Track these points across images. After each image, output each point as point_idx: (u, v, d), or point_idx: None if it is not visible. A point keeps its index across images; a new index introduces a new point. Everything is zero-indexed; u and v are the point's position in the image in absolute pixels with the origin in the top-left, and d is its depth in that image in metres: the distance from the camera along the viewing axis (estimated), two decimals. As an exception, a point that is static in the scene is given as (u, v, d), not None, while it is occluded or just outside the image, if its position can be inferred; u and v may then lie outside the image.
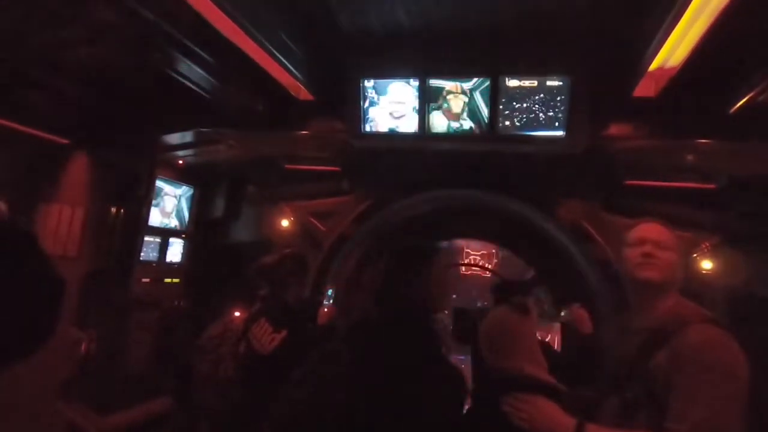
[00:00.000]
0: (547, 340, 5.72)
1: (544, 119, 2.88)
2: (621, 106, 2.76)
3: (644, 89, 2.61)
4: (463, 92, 2.93)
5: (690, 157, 3.06)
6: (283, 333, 2.55)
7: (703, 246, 3.46)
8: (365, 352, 1.62)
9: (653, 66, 2.37)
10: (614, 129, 2.84)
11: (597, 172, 3.49)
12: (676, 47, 2.23)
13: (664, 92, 2.58)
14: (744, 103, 2.43)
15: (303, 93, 3.23)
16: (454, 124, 3.03)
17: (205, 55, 2.82)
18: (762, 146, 2.71)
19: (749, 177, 3.18)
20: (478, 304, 6.36)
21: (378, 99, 3.10)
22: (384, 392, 1.50)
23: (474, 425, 1.69)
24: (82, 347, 3.45)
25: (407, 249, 1.77)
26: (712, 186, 3.27)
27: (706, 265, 3.43)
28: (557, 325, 4.99)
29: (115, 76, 3.21)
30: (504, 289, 2.98)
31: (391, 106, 3.11)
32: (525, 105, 2.89)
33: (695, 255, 3.46)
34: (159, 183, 4.10)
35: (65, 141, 3.68)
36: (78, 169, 3.70)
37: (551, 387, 1.66)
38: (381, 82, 3.07)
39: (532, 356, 1.78)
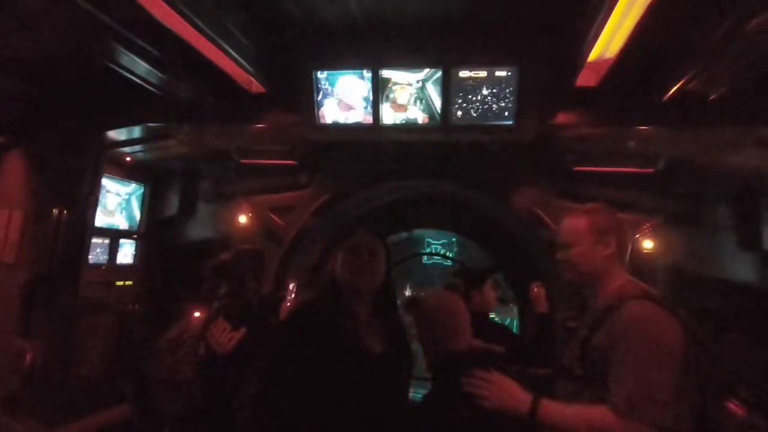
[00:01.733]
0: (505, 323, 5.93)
1: (494, 109, 2.95)
2: (565, 95, 2.87)
3: (586, 79, 2.73)
4: (409, 83, 2.96)
5: (631, 144, 3.23)
6: (242, 331, 2.51)
7: (645, 227, 3.68)
8: (295, 334, 1.64)
9: (593, 56, 2.49)
10: (560, 117, 2.96)
11: (547, 160, 3.62)
12: (612, 38, 2.34)
13: (604, 81, 2.71)
14: (675, 90, 2.59)
15: (255, 85, 3.16)
16: (401, 115, 3.06)
17: (150, 48, 2.72)
18: (694, 131, 2.90)
19: (684, 161, 3.39)
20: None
21: (331, 90, 3.08)
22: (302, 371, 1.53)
23: (434, 408, 1.74)
24: (27, 358, 3.27)
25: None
26: (651, 170, 3.47)
27: (648, 244, 3.65)
28: (515, 309, 5.19)
29: (53, 70, 3.04)
30: (461, 276, 3.06)
31: (346, 98, 3.10)
32: (476, 95, 2.95)
33: (638, 236, 3.68)
34: (104, 181, 3.91)
35: (0, 139, 3.45)
36: (14, 169, 3.47)
37: (496, 353, 1.74)
38: (334, 73, 3.05)
39: (466, 329, 1.85)
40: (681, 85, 2.54)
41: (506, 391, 1.53)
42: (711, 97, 2.64)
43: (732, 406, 2.39)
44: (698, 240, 3.74)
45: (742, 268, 3.63)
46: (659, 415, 1.28)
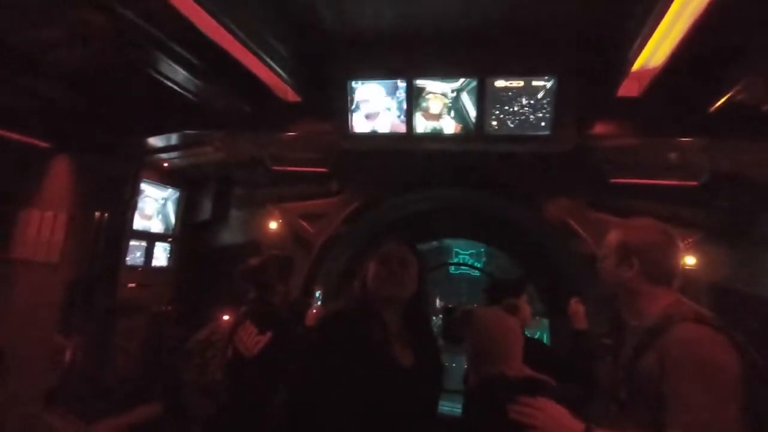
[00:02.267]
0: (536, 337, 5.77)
1: (530, 119, 2.90)
2: (606, 105, 2.80)
3: (628, 89, 2.64)
4: (443, 93, 2.95)
5: (673, 155, 3.12)
6: (268, 335, 2.53)
7: (687, 242, 3.53)
8: (323, 342, 1.63)
9: (636, 66, 2.41)
10: (599, 128, 2.88)
11: (583, 171, 3.53)
12: (657, 48, 2.27)
13: (647, 92, 2.62)
14: (723, 102, 2.48)
15: (290, 94, 3.21)
16: (433, 124, 3.04)
17: (190, 57, 2.80)
18: (741, 144, 2.77)
19: (730, 174, 3.24)
20: (467, 303, 6.40)
21: (365, 100, 3.10)
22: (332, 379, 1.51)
23: (468, 427, 1.70)
24: (66, 355, 3.39)
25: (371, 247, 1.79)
26: (694, 183, 3.33)
27: (690, 260, 3.50)
28: (545, 323, 5.05)
29: (97, 78, 3.16)
30: (497, 289, 3.00)
31: (376, 107, 3.11)
32: (512, 105, 2.91)
33: (681, 256, 3.52)
34: (143, 186, 4.04)
35: (46, 144, 3.61)
36: (60, 173, 3.63)
37: (550, 386, 1.67)
38: (368, 83, 3.06)
39: (518, 356, 1.80)
40: (730, 95, 2.44)
41: (557, 420, 1.47)
42: (763, 108, 2.51)
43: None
44: (745, 256, 3.56)
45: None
46: None
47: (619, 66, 2.53)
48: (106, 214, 3.50)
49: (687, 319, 1.39)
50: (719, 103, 2.52)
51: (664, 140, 2.88)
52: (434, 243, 5.51)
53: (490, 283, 3.15)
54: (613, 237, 1.65)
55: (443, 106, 3.01)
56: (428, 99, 3.01)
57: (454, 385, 5.01)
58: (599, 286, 1.69)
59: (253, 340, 2.59)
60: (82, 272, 3.44)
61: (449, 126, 3.02)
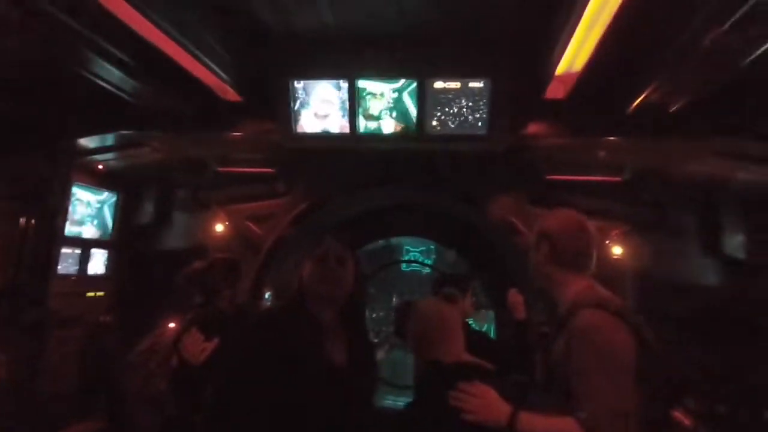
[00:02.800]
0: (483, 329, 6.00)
1: (468, 119, 3.03)
2: (535, 107, 2.97)
3: (555, 91, 2.82)
4: (382, 93, 3.02)
5: (598, 153, 3.35)
6: (214, 342, 2.48)
7: (614, 234, 3.81)
8: (253, 343, 1.59)
9: (560, 70, 2.58)
10: (531, 128, 3.05)
11: (519, 169, 3.72)
12: (578, 52, 2.44)
13: (571, 94, 2.81)
14: (639, 102, 2.70)
15: (230, 94, 3.16)
16: (372, 125, 3.10)
17: (123, 56, 2.69)
18: (657, 142, 3.03)
19: (649, 170, 3.53)
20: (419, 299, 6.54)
21: (308, 100, 3.11)
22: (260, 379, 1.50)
23: (417, 417, 1.74)
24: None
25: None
26: (618, 179, 3.60)
27: (617, 251, 3.78)
28: (491, 315, 5.26)
29: (22, 77, 2.98)
30: (443, 283, 3.09)
31: (321, 107, 3.13)
32: (451, 106, 3.02)
33: (607, 242, 3.80)
34: (75, 189, 3.82)
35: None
36: (-21, 177, 3.37)
37: (485, 370, 1.74)
38: (310, 83, 3.08)
39: (459, 342, 1.87)
40: (644, 97, 2.66)
41: (487, 404, 1.54)
42: (672, 109, 2.76)
43: (679, 415, 2.47)
44: (664, 246, 3.88)
45: (705, 273, 3.78)
46: (620, 426, 1.32)
47: (545, 69, 2.70)
48: (32, 221, 3.28)
49: (587, 306, 1.49)
50: (635, 104, 2.74)
51: (588, 139, 3.10)
52: (383, 241, 5.58)
53: (436, 278, 3.26)
54: (535, 227, 1.77)
55: (382, 106, 3.07)
56: (368, 99, 3.06)
57: (408, 381, 5.11)
58: (532, 277, 1.79)
59: (199, 347, 2.52)
60: (6, 283, 3.21)
61: (389, 126, 3.09)
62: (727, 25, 1.93)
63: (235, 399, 1.52)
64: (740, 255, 3.48)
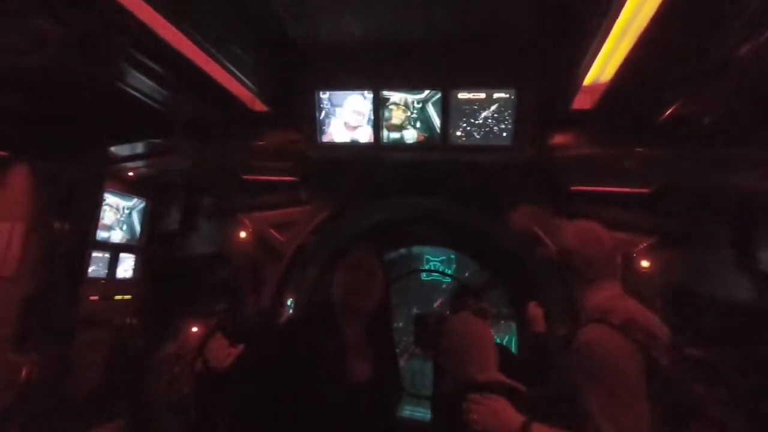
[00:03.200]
0: (503, 342, 5.91)
1: (493, 130, 3.01)
2: (562, 117, 2.93)
3: (582, 102, 2.79)
4: (405, 105, 3.02)
5: (626, 164, 3.28)
6: (239, 348, 2.51)
7: (641, 246, 3.71)
8: (277, 347, 1.61)
9: (588, 80, 2.55)
10: (557, 139, 3.01)
11: (544, 180, 3.67)
12: (607, 63, 2.41)
13: (599, 105, 2.77)
14: (670, 113, 2.64)
15: (257, 104, 3.22)
16: (396, 135, 3.11)
17: (155, 66, 2.78)
18: (687, 153, 2.95)
19: (678, 182, 3.44)
20: (439, 310, 6.48)
21: (333, 110, 3.14)
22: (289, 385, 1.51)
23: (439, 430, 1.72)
24: (23, 373, 3.26)
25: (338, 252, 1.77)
26: (646, 190, 3.51)
27: (644, 263, 3.68)
28: (512, 327, 5.17)
29: (59, 86, 3.09)
30: (463, 294, 3.07)
31: (349, 117, 3.16)
32: (475, 116, 3.01)
33: (635, 254, 3.71)
34: (106, 195, 3.95)
35: (3, 153, 3.49)
36: (18, 182, 3.51)
37: (515, 390, 1.71)
38: (336, 93, 3.11)
39: (493, 359, 1.84)
40: (675, 108, 2.60)
41: (497, 415, 1.53)
42: (705, 120, 2.69)
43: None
44: (696, 260, 3.76)
45: (739, 289, 3.64)
46: None
47: (572, 80, 2.67)
48: (66, 225, 3.40)
49: (591, 321, 1.48)
50: (665, 115, 2.67)
51: (615, 150, 3.04)
52: (404, 250, 5.57)
53: (456, 289, 3.23)
54: (556, 242, 1.76)
55: (405, 117, 3.08)
56: (391, 110, 3.08)
57: (426, 391, 5.06)
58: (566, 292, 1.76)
59: (225, 352, 2.56)
60: (39, 286, 3.32)
61: (411, 136, 3.10)
62: (764, 37, 1.87)
63: (258, 408, 1.53)
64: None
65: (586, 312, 1.56)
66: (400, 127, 3.10)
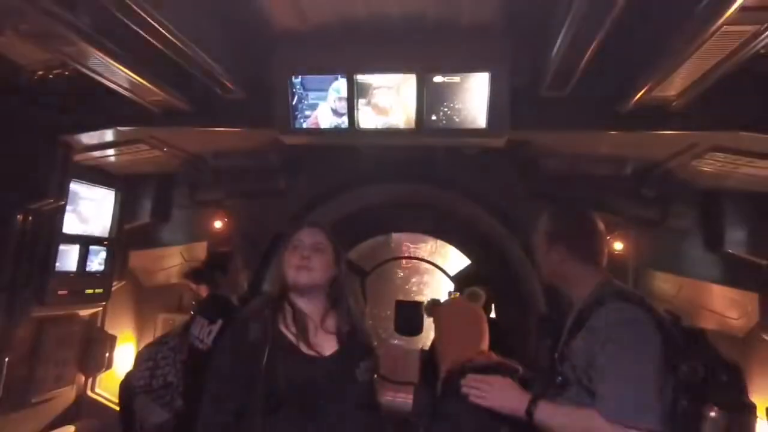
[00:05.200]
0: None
1: (468, 114, 3.01)
2: (536, 101, 2.95)
3: (555, 85, 2.80)
4: (389, 87, 3.00)
5: (599, 148, 3.34)
6: (219, 323, 2.56)
7: (616, 228, 3.80)
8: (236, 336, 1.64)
9: (561, 65, 2.56)
10: (531, 123, 3.03)
11: (520, 163, 3.70)
12: (578, 47, 2.41)
13: (571, 89, 2.79)
14: (638, 98, 2.69)
15: (229, 89, 3.14)
16: (383, 119, 3.08)
17: (122, 52, 2.68)
18: (658, 136, 3.00)
19: (650, 165, 3.52)
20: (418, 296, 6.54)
21: (306, 95, 3.09)
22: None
23: (442, 416, 1.74)
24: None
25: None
26: (618, 173, 3.58)
27: (618, 245, 3.77)
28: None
29: (19, 72, 2.96)
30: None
31: (318, 102, 3.11)
32: (450, 100, 3.00)
33: (609, 237, 3.79)
34: (75, 186, 3.80)
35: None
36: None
37: (512, 369, 1.73)
38: (309, 78, 3.06)
39: (486, 342, 1.87)
40: (643, 93, 2.64)
41: (505, 392, 1.55)
42: (672, 104, 2.75)
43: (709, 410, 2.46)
44: (666, 241, 3.87)
45: (707, 268, 3.77)
46: (647, 419, 1.31)
47: (546, 64, 2.68)
48: (30, 217, 3.27)
49: (611, 300, 1.49)
50: (635, 99, 2.72)
51: (587, 134, 3.08)
52: (382, 237, 5.58)
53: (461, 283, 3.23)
54: (541, 226, 1.77)
55: (382, 100, 3.04)
56: (376, 94, 3.04)
57: (406, 377, 5.11)
58: (538, 275, 1.79)
59: (206, 330, 2.61)
60: (5, 278, 3.19)
61: (389, 121, 3.07)
62: (730, 15, 1.90)
63: (224, 392, 1.53)
64: (742, 252, 3.47)
65: (587, 294, 1.57)
66: (387, 111, 3.06)
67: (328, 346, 1.62)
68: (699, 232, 3.77)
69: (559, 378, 1.56)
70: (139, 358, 3.06)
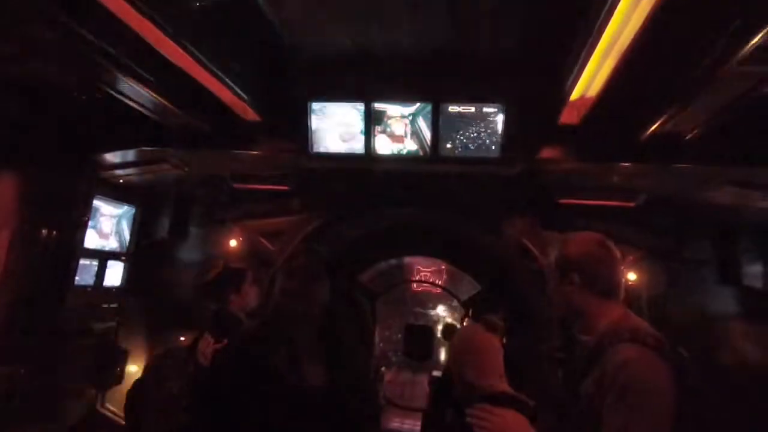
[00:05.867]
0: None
1: (482, 143, 3.06)
2: (549, 132, 2.99)
3: (569, 116, 2.85)
4: (403, 116, 3.07)
5: (613, 179, 3.35)
6: (224, 342, 2.56)
7: (629, 259, 3.77)
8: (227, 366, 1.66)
9: (575, 95, 2.61)
10: (544, 152, 3.07)
11: (532, 192, 3.72)
12: (593, 79, 2.47)
13: (585, 119, 2.83)
14: (653, 130, 2.71)
15: (249, 113, 3.24)
16: (398, 146, 3.15)
17: (146, 75, 2.79)
18: (672, 168, 3.01)
19: (663, 197, 3.51)
20: (429, 320, 6.48)
21: (326, 120, 3.18)
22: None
23: None
24: (7, 383, 3.20)
25: None
26: (631, 204, 3.57)
27: (631, 276, 3.73)
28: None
29: (50, 93, 3.10)
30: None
31: (340, 128, 3.20)
32: (465, 129, 3.06)
33: (622, 268, 3.75)
34: (96, 202, 3.92)
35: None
36: (5, 189, 3.47)
37: (524, 403, 1.71)
38: (328, 104, 3.15)
39: (501, 372, 1.84)
40: (659, 124, 2.66)
41: (510, 428, 1.49)
42: (688, 136, 2.76)
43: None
44: (680, 274, 3.82)
45: (722, 302, 3.70)
46: None
47: (560, 94, 2.73)
48: (54, 233, 3.36)
49: (624, 340, 1.40)
50: (650, 130, 2.74)
51: (601, 165, 3.10)
52: (395, 261, 5.58)
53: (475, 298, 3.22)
54: (554, 254, 1.71)
55: (405, 128, 3.12)
56: (390, 123, 3.12)
57: (415, 403, 5.02)
58: (551, 305, 1.74)
59: (211, 348, 2.60)
60: (24, 293, 3.27)
61: (404, 148, 3.14)
62: (745, 53, 1.93)
63: (218, 418, 1.52)
64: (759, 285, 3.41)
65: (602, 330, 1.50)
66: (402, 138, 3.14)
67: (317, 375, 1.61)
68: (715, 264, 3.72)
69: (568, 413, 1.52)
70: (147, 368, 3.09)
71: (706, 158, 2.82)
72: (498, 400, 1.64)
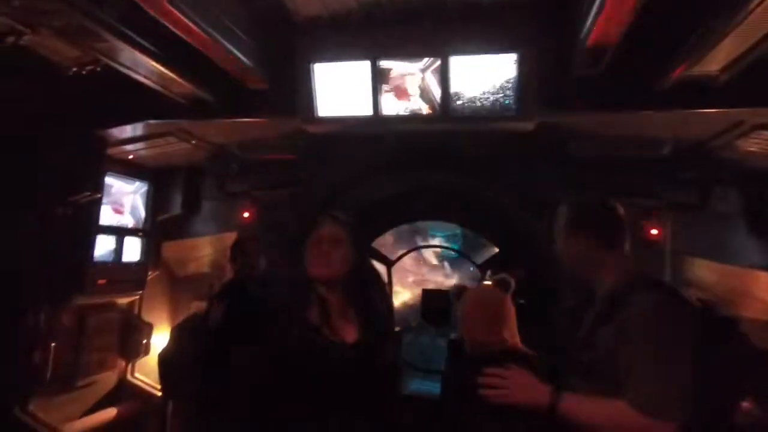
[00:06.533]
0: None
1: (495, 97, 2.92)
2: (566, 82, 2.83)
3: (586, 66, 2.68)
4: (411, 73, 2.94)
5: (633, 129, 3.19)
6: (225, 303, 2.66)
7: (652, 213, 3.65)
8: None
9: (592, 42, 2.43)
10: (562, 105, 2.92)
11: (550, 147, 3.58)
12: (611, 23, 2.29)
13: (605, 67, 2.65)
14: (677, 76, 2.54)
15: (254, 81, 3.16)
16: (406, 104, 3.03)
17: (148, 45, 2.73)
18: (696, 115, 2.84)
19: (691, 147, 3.34)
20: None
21: (329, 82, 3.07)
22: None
23: (456, 401, 1.73)
24: (36, 358, 3.33)
25: None
26: (657, 155, 3.42)
27: (654, 231, 3.62)
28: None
29: (51, 68, 3.06)
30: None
31: (345, 90, 3.09)
32: (476, 83, 2.92)
33: (644, 222, 3.64)
34: (109, 179, 3.94)
35: None
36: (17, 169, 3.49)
37: (531, 358, 1.72)
38: (332, 65, 3.03)
39: (513, 329, 1.84)
40: (682, 69, 2.49)
41: (526, 385, 1.52)
42: (713, 81, 2.58)
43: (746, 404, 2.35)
44: (707, 227, 3.68)
45: (751, 254, 3.57)
46: (679, 411, 1.27)
47: (576, 42, 2.56)
48: (69, 210, 3.40)
49: (643, 288, 1.45)
50: (673, 77, 2.57)
51: (622, 115, 2.94)
52: (408, 226, 5.55)
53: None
54: (561, 213, 1.72)
55: (414, 85, 2.98)
56: (398, 79, 2.98)
57: (435, 366, 5.10)
58: (560, 263, 1.73)
59: (219, 312, 2.71)
60: (46, 271, 3.35)
61: (413, 107, 3.02)
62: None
63: (244, 382, 1.57)
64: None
65: (614, 281, 1.55)
66: (410, 96, 3.01)
67: (349, 334, 1.66)
68: (743, 216, 3.56)
69: (582, 366, 1.52)
70: (171, 334, 3.28)
71: (734, 102, 2.64)
72: (509, 356, 1.65)
